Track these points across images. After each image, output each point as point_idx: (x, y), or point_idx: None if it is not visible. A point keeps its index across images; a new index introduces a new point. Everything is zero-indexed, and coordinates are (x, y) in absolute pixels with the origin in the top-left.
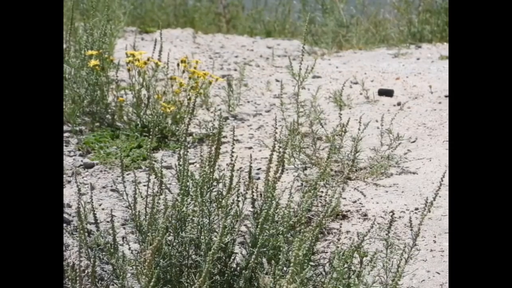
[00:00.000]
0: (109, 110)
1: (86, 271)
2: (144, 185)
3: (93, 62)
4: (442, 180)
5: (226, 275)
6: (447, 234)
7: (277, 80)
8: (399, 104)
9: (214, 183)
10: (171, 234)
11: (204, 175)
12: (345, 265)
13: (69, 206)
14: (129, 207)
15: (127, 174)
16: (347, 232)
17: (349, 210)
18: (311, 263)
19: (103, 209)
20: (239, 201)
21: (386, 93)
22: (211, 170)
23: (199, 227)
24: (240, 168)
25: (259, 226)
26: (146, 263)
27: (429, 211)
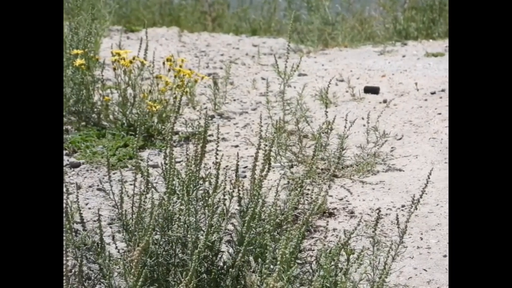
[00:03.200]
0: (95, 109)
1: (73, 271)
2: (131, 184)
3: (78, 61)
4: (429, 177)
5: (213, 273)
6: (434, 231)
7: (263, 78)
8: (385, 101)
9: (200, 182)
10: (158, 233)
11: (190, 174)
12: (332, 263)
13: None
14: (116, 206)
15: (114, 173)
16: (334, 229)
17: (335, 208)
18: (298, 261)
19: (89, 208)
20: (225, 199)
21: (372, 90)
22: (197, 168)
23: (185, 225)
24: (227, 166)
25: (245, 225)
26: (133, 262)
27: (416, 208)
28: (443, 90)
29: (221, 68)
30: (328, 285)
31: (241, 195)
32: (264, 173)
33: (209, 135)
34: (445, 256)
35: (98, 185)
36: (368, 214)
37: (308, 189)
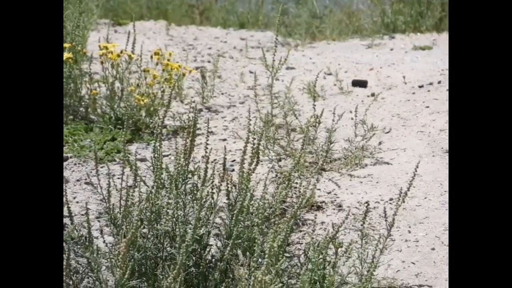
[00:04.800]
0: (83, 103)
1: None
2: (119, 178)
3: (66, 55)
4: (416, 170)
5: (201, 267)
6: (422, 224)
7: (251, 72)
8: (373, 95)
9: (189, 176)
10: (146, 226)
11: (178, 168)
12: (320, 256)
13: None
14: (104, 200)
15: (101, 167)
16: (322, 223)
17: (323, 201)
18: (286, 255)
19: (77, 202)
20: (213, 193)
21: (360, 84)
22: (186, 162)
23: (174, 219)
24: (215, 160)
25: (234, 218)
26: (121, 256)
27: (404, 202)
28: (431, 83)
29: (209, 61)
30: (316, 278)
31: (229, 189)
32: (253, 166)
33: (197, 129)
34: (433, 249)
35: (85, 179)
36: (356, 208)
37: (296, 183)
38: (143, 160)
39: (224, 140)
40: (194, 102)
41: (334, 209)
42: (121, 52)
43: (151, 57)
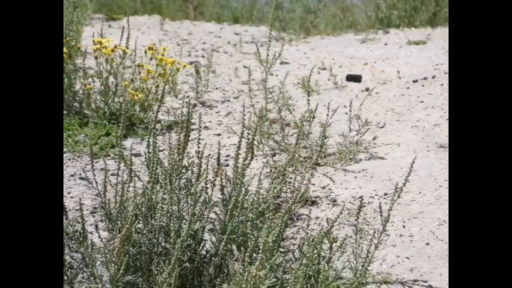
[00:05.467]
0: (77, 98)
1: None
2: (113, 173)
3: None
4: (412, 166)
5: (195, 262)
6: (416, 219)
7: (245, 67)
8: (367, 89)
9: (183, 171)
10: (141, 221)
11: (173, 163)
12: (315, 251)
13: None
14: (99, 195)
15: (96, 162)
16: (317, 218)
17: (318, 196)
18: (281, 250)
19: (72, 197)
20: (207, 188)
21: (354, 78)
22: (180, 157)
23: (168, 214)
24: (209, 155)
25: (228, 213)
26: (115, 251)
27: (399, 197)
28: (425, 78)
29: (203, 56)
30: (311, 273)
31: (224, 184)
32: (247, 161)
33: (192, 124)
34: (427, 244)
35: (80, 174)
36: (351, 202)
37: (291, 178)
38: (137, 155)
39: (219, 135)
40: (188, 97)
41: (328, 204)
42: (115, 47)
43: (145, 52)
